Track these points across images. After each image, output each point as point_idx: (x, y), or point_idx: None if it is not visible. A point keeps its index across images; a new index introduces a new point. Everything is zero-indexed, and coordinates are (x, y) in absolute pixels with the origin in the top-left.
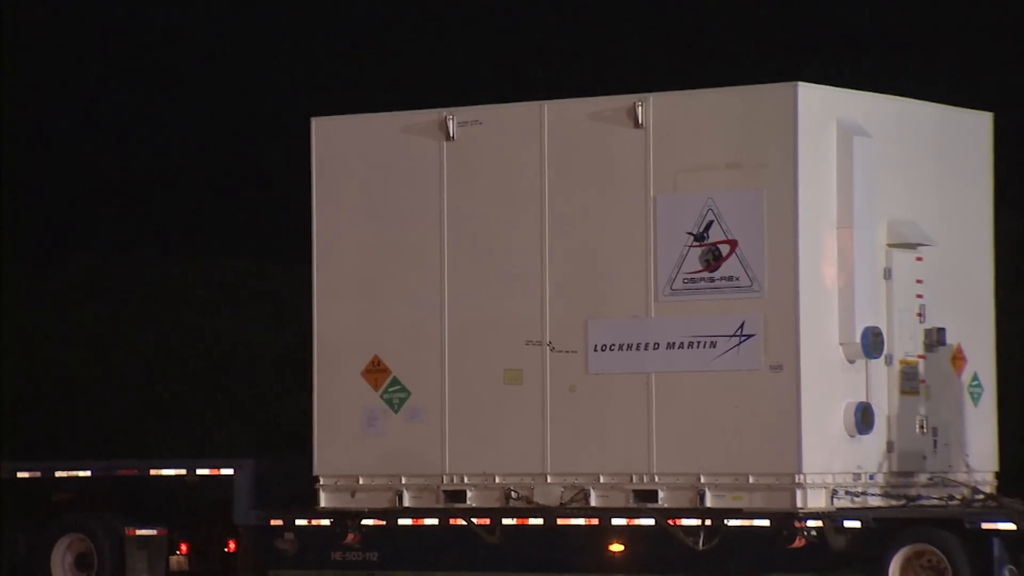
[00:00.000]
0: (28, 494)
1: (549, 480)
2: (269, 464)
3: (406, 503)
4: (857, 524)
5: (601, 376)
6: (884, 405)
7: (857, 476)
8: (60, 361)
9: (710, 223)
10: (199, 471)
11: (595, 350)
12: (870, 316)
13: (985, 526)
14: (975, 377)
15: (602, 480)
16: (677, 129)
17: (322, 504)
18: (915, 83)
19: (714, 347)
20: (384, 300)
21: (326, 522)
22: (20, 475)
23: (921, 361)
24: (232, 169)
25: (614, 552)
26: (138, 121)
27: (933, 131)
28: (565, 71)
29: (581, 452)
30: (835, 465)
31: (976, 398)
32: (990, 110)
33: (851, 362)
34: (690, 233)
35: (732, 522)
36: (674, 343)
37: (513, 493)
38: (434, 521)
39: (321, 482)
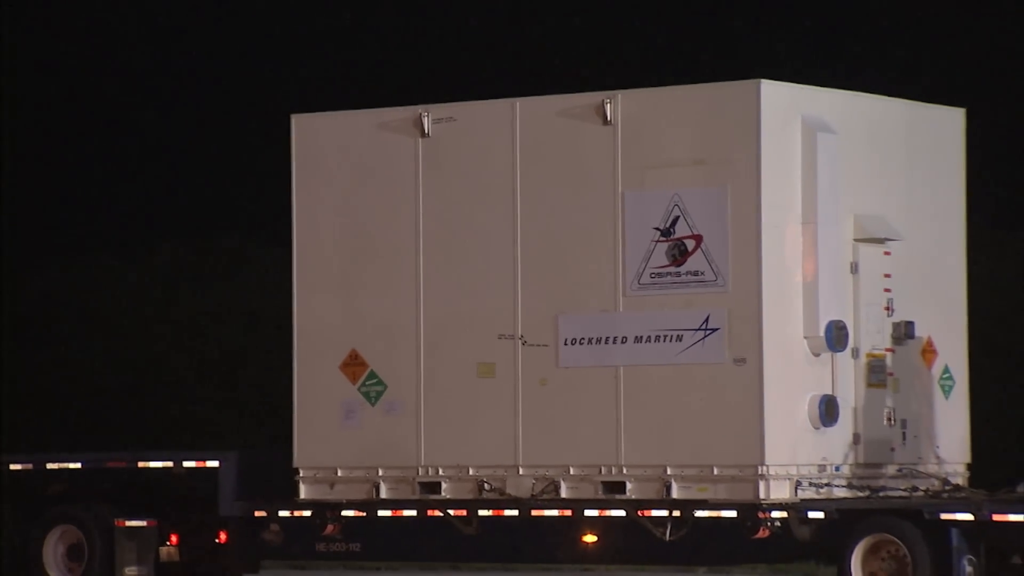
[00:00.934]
0: (20, 486)
1: (521, 472)
2: (255, 456)
3: (383, 495)
4: (821, 515)
5: (571, 370)
6: (850, 397)
7: (822, 468)
8: (63, 354)
9: (676, 219)
10: (185, 463)
11: (565, 344)
12: (834, 310)
13: (944, 516)
14: (946, 370)
15: (572, 472)
16: (645, 126)
17: (302, 496)
18: (903, 82)
19: (680, 341)
20: (361, 294)
21: (307, 513)
22: (12, 467)
23: (889, 354)
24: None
25: (588, 543)
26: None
27: (903, 127)
28: (539, 67)
29: (551, 444)
30: (799, 457)
31: (947, 391)
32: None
33: (816, 355)
34: (657, 228)
35: (700, 513)
36: (641, 337)
37: (486, 485)
38: (412, 513)
39: (301, 474)
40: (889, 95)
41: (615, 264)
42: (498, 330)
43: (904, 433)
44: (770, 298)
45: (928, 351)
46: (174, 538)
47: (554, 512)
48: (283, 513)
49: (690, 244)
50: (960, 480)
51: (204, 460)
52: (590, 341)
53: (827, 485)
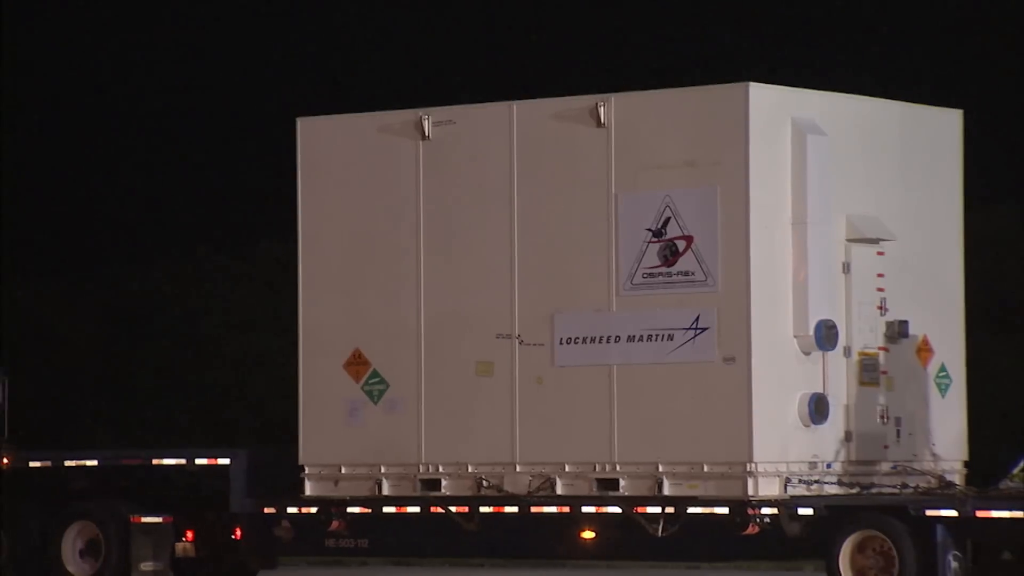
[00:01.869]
0: (39, 483)
1: (518, 469)
2: (266, 453)
3: (385, 491)
4: (809, 511)
5: (566, 368)
6: (843, 396)
7: (813, 465)
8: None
9: (668, 219)
10: (198, 460)
11: (561, 343)
12: (824, 309)
13: (929, 513)
14: (943, 368)
15: (567, 469)
16: (637, 128)
17: (307, 492)
18: (907, 85)
19: (671, 340)
20: (364, 295)
21: (313, 510)
22: (32, 464)
23: (882, 353)
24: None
25: (586, 539)
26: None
27: (897, 128)
28: (537, 71)
29: (547, 442)
30: (789, 454)
31: (944, 389)
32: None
33: (807, 354)
34: (649, 229)
35: (691, 510)
36: (634, 336)
37: (484, 482)
38: (415, 509)
39: (307, 471)
40: (888, 97)
41: (609, 264)
42: (496, 330)
43: (898, 431)
44: (759, 298)
45: (924, 350)
46: (190, 534)
47: (552, 509)
48: (291, 509)
49: (681, 245)
50: (957, 478)
51: (215, 457)
52: (585, 340)
53: (818, 482)
